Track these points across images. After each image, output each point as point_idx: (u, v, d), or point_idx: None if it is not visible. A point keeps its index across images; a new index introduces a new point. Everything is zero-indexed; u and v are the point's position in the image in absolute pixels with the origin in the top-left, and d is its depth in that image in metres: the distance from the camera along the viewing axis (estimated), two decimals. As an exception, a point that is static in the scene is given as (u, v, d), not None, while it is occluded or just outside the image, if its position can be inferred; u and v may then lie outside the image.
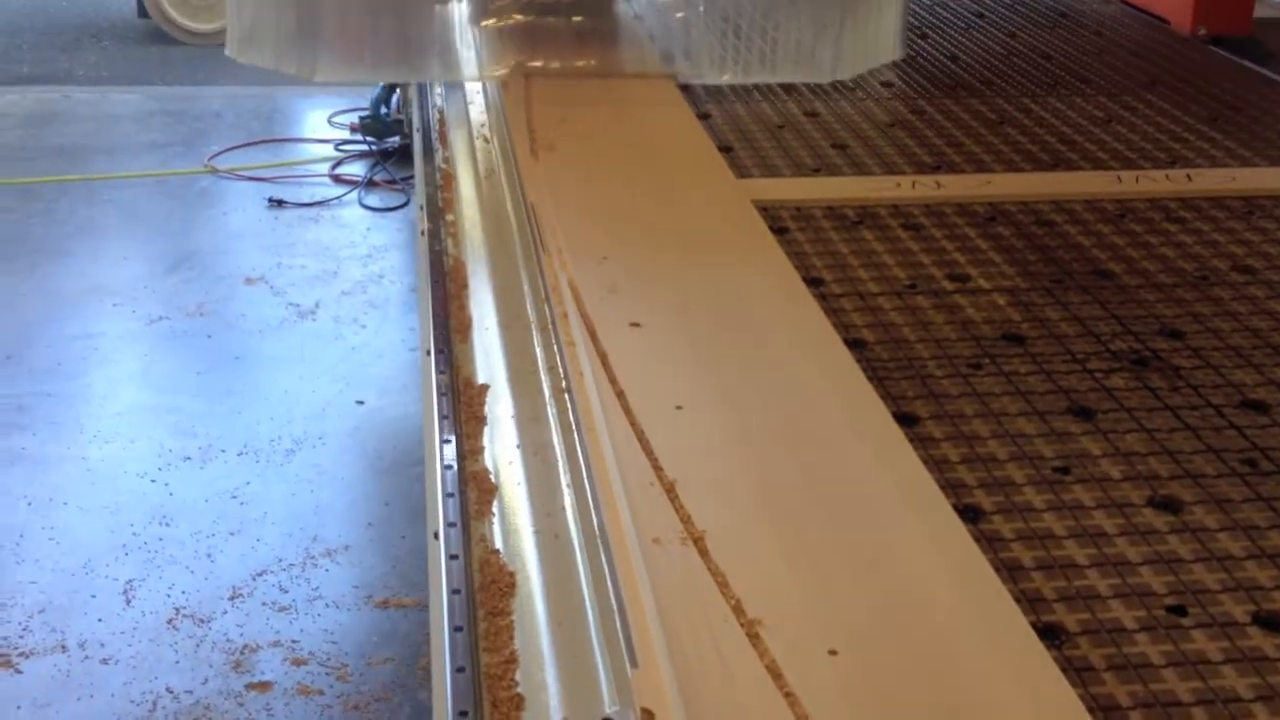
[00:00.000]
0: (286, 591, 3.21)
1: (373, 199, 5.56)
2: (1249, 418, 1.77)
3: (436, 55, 3.08)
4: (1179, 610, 1.40)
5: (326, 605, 3.17)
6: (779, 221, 2.38)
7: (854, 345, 1.93)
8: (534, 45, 3.08)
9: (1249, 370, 1.90)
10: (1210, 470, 1.65)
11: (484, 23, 3.09)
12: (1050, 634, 1.35)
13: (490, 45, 3.09)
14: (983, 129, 2.89)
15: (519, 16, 3.12)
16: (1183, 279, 2.19)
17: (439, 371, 2.11)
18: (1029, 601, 1.40)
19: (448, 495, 1.79)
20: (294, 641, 3.05)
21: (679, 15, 3.07)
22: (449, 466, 1.85)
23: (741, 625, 1.28)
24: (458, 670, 1.47)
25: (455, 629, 1.54)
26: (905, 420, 1.74)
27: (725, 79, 3.07)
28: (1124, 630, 1.37)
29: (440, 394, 2.05)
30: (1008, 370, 1.89)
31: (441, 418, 1.97)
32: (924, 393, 1.83)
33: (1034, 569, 1.46)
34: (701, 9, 3.04)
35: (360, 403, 4.05)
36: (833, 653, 1.25)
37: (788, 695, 1.19)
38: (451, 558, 1.66)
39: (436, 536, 1.76)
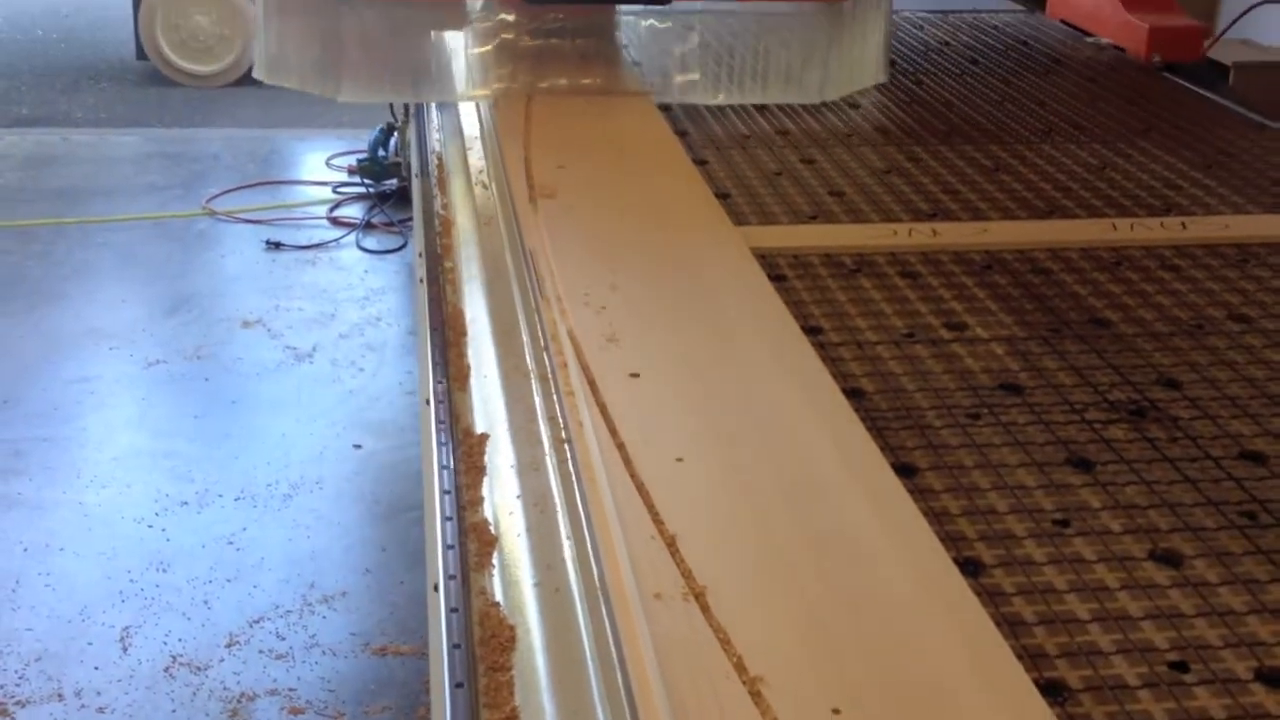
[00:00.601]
0: (284, 639, 3.20)
1: (370, 241, 5.58)
2: (1247, 469, 1.77)
3: (447, 77, 3.27)
4: (1181, 666, 1.40)
5: (324, 653, 3.16)
6: (776, 269, 2.39)
7: (853, 395, 1.93)
8: (539, 66, 3.26)
9: (1246, 420, 1.90)
10: (1210, 523, 1.65)
11: (490, 43, 3.26)
12: (1053, 690, 1.35)
13: (497, 66, 3.26)
14: (978, 176, 2.91)
15: (526, 39, 3.28)
16: (1179, 327, 2.20)
17: (438, 421, 2.11)
18: (1031, 658, 1.40)
19: (448, 547, 1.78)
20: (291, 690, 3.04)
21: (677, 44, 3.31)
22: (449, 518, 1.85)
23: (744, 683, 1.28)
24: (458, 727, 1.47)
25: (455, 685, 1.53)
26: (905, 471, 1.74)
27: (720, 99, 3.29)
28: (1127, 687, 1.37)
29: (440, 444, 2.05)
30: (1006, 420, 1.89)
31: (441, 468, 1.98)
32: (923, 443, 1.83)
33: (1036, 624, 1.46)
34: (697, 40, 3.27)
35: (358, 446, 4.05)
36: (836, 711, 1.24)
37: (791, 755, 1.19)
38: (451, 611, 1.66)
39: (436, 589, 1.76)
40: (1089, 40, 4.23)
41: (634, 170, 2.79)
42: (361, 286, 5.17)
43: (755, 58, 3.29)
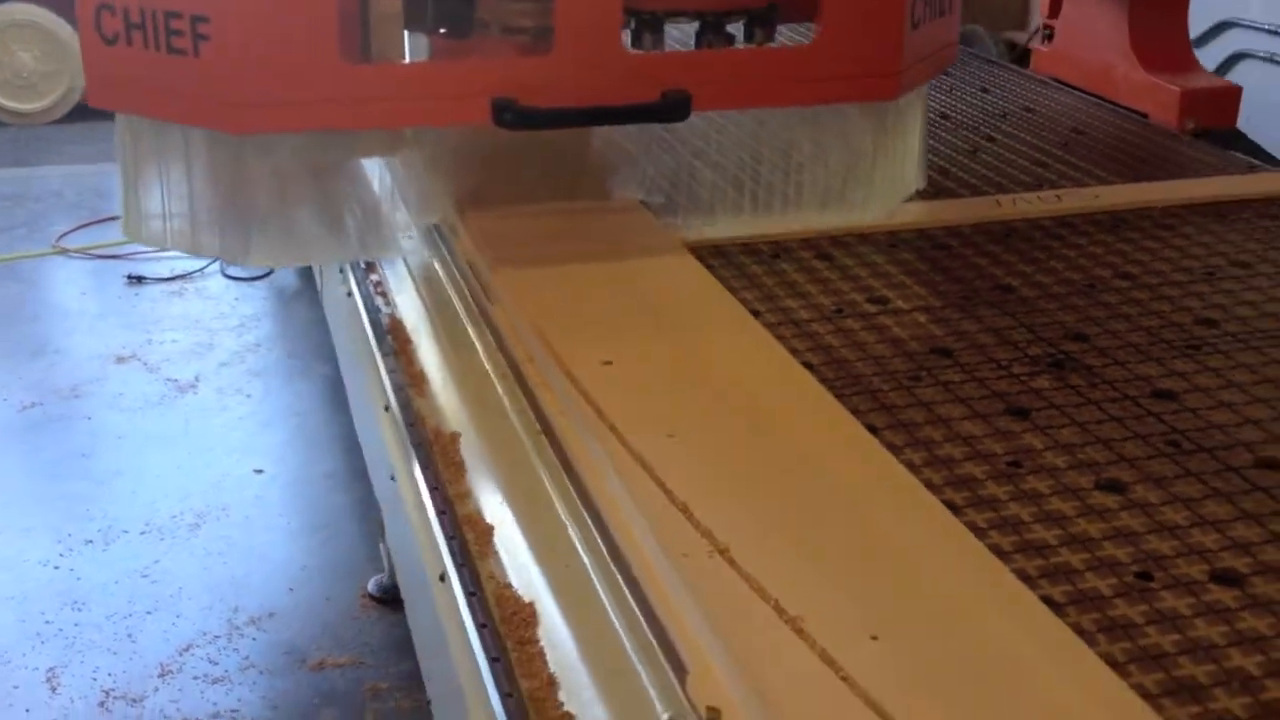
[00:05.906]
0: (217, 663, 3.21)
1: (236, 269, 5.53)
2: (1162, 405, 1.98)
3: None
4: (1145, 576, 1.58)
5: (260, 673, 3.18)
6: (702, 259, 2.53)
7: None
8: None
9: (1151, 364, 2.12)
10: (1141, 453, 1.85)
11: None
12: (1046, 605, 1.51)
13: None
14: (863, 164, 3.10)
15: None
16: (1074, 288, 2.42)
17: (408, 424, 2.18)
18: (1021, 579, 1.56)
19: (450, 538, 1.86)
20: (233, 711, 3.05)
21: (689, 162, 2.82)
22: (442, 511, 1.93)
23: (786, 623, 1.41)
24: (506, 695, 1.56)
25: (493, 660, 1.62)
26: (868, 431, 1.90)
27: (745, 223, 2.72)
28: (1103, 597, 1.54)
29: (413, 444, 2.13)
30: (944, 380, 2.07)
31: (423, 467, 2.05)
32: (876, 406, 1.99)
33: (1013, 552, 1.63)
34: (714, 152, 2.80)
35: (259, 471, 4.04)
36: (874, 638, 1.39)
37: (844, 679, 1.33)
38: (470, 594, 1.74)
39: (443, 579, 1.84)
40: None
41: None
42: (234, 315, 5.13)
43: (786, 176, 2.73)
